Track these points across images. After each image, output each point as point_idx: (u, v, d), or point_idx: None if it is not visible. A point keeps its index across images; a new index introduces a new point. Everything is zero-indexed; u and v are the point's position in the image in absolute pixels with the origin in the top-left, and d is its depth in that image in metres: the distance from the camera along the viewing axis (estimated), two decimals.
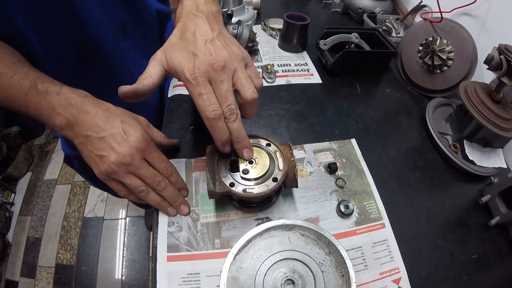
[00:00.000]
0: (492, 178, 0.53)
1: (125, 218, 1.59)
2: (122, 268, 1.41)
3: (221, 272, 0.32)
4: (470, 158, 0.53)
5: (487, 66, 0.50)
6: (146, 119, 0.43)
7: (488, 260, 0.44)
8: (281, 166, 0.39)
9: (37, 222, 1.57)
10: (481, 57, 0.51)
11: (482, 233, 0.46)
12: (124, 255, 1.45)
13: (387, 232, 0.43)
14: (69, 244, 1.47)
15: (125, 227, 1.55)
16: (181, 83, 0.64)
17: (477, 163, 0.53)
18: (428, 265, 0.42)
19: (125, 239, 1.51)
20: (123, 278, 1.38)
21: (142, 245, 1.49)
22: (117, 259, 1.43)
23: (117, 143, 0.36)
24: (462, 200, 0.50)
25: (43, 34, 0.44)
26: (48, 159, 1.88)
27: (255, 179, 0.38)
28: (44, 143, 1.98)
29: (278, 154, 0.41)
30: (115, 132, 0.37)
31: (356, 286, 0.33)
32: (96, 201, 1.65)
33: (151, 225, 1.51)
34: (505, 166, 0.54)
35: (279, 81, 0.67)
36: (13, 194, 1.67)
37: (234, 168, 0.39)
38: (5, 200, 1.59)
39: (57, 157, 1.89)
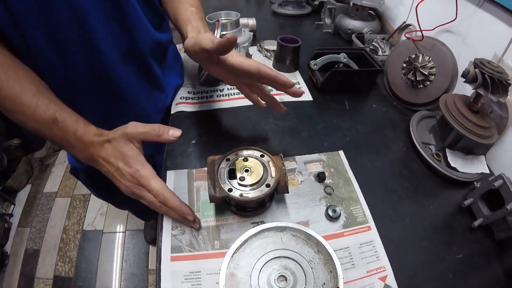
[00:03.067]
0: (476, 183, 0.55)
1: (124, 232, 1.60)
2: (121, 281, 1.41)
3: (220, 269, 0.36)
4: (452, 165, 0.56)
5: (464, 80, 0.54)
6: (137, 127, 0.45)
7: (474, 260, 0.46)
8: (273, 174, 0.44)
9: (36, 234, 1.58)
10: (462, 71, 0.55)
11: (467, 235, 0.49)
12: (123, 268, 1.46)
13: (373, 234, 0.47)
14: (67, 256, 1.48)
15: (124, 241, 1.57)
16: (183, 100, 0.70)
17: (459, 170, 0.56)
18: (413, 264, 0.45)
19: (124, 252, 1.52)
20: None
21: (141, 258, 1.50)
22: (116, 272, 1.44)
23: (121, 177, 0.44)
24: (446, 204, 0.53)
25: (59, 52, 0.48)
26: (48, 172, 1.91)
27: (251, 185, 0.43)
28: (45, 157, 2.01)
29: (271, 163, 0.45)
30: (116, 168, 0.43)
31: (344, 282, 0.36)
32: (95, 214, 1.67)
33: (150, 239, 1.52)
34: (488, 172, 0.57)
35: None
36: (12, 206, 1.69)
37: (232, 176, 0.44)
38: (4, 211, 1.60)
39: (57, 170, 1.91)
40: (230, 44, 0.39)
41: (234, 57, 0.46)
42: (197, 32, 0.52)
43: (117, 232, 1.60)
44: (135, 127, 0.45)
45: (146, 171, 0.44)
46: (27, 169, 1.85)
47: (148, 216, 1.39)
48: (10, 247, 1.52)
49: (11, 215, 1.65)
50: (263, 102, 0.58)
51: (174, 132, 0.45)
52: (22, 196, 1.76)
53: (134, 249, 1.54)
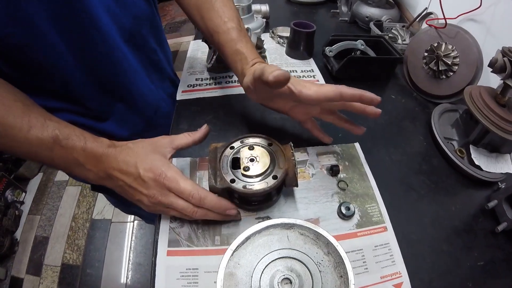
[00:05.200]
0: (500, 184, 0.52)
1: (133, 222, 1.61)
2: (127, 271, 1.42)
3: (218, 268, 0.33)
4: (476, 163, 0.52)
5: (491, 70, 0.49)
6: (167, 138, 0.43)
7: (495, 267, 0.42)
8: (281, 164, 0.40)
9: (46, 221, 1.60)
10: (487, 62, 0.51)
11: (489, 239, 0.45)
12: (130, 258, 1.46)
13: (389, 236, 0.43)
14: (76, 244, 1.49)
15: (132, 230, 1.57)
16: (190, 88, 0.67)
17: (483, 168, 0.52)
18: (431, 270, 0.41)
19: (132, 242, 1.53)
20: (128, 280, 1.39)
21: (149, 248, 1.50)
22: (123, 262, 1.45)
23: (142, 186, 0.37)
24: (468, 205, 0.49)
25: (69, 41, 0.44)
26: None
27: (256, 176, 0.39)
28: None
29: (279, 153, 0.41)
30: (136, 176, 0.37)
31: None
32: (105, 203, 1.67)
33: None
34: None
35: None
36: (23, 193, 1.72)
37: (236, 166, 0.40)
38: (15, 199, 1.63)
39: None
40: (285, 80, 0.34)
41: (309, 88, 0.40)
42: (252, 64, 0.46)
43: (126, 222, 1.60)
44: (164, 137, 0.42)
45: (172, 172, 0.38)
46: None
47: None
48: (20, 234, 1.55)
49: (22, 202, 1.68)
50: (330, 138, 0.53)
51: (202, 129, 0.45)
52: (34, 184, 1.79)
53: (142, 239, 1.54)
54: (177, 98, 0.65)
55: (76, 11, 0.42)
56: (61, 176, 1.83)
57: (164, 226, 0.42)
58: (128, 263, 1.44)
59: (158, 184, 0.37)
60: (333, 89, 0.40)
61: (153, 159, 0.38)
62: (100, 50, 0.48)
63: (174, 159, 0.51)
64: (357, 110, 0.44)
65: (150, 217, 1.09)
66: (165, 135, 0.43)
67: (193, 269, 0.38)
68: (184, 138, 0.43)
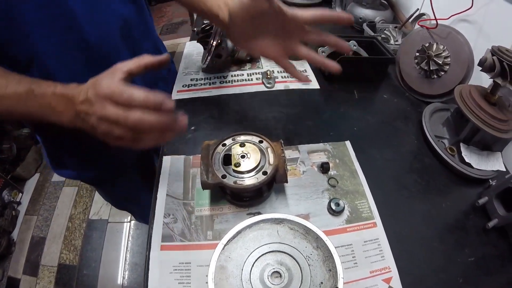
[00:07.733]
0: (491, 181, 0.52)
1: (129, 222, 1.60)
2: (124, 271, 1.41)
3: (210, 261, 0.34)
4: (467, 160, 0.53)
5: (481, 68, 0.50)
6: (122, 63, 0.37)
7: (486, 263, 0.43)
8: (271, 161, 0.41)
9: (43, 222, 1.59)
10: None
11: (480, 236, 0.46)
12: (127, 258, 1.46)
13: (379, 231, 0.44)
14: (72, 244, 1.49)
15: (129, 231, 1.57)
16: (185, 88, 0.67)
17: (474, 166, 0.53)
18: (421, 266, 0.42)
19: (128, 242, 1.52)
20: (124, 280, 1.39)
21: (145, 248, 1.49)
22: (120, 262, 1.44)
23: (89, 106, 0.35)
24: (459, 203, 0.50)
25: (48, 38, 0.45)
26: None
27: (247, 171, 0.40)
28: None
29: (269, 150, 0.42)
30: (86, 99, 0.35)
31: (345, 282, 0.33)
32: (101, 203, 1.67)
33: None
34: (504, 169, 0.53)
35: (278, 87, 0.69)
36: (20, 194, 1.71)
37: (228, 162, 0.41)
38: (12, 199, 1.62)
39: None
40: None
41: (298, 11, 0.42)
42: None
43: (123, 222, 1.60)
44: (121, 62, 0.37)
45: (107, 78, 0.35)
46: (36, 158, 1.87)
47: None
48: (17, 234, 1.54)
49: (19, 203, 1.67)
50: (305, 75, 0.53)
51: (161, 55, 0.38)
52: (31, 185, 1.78)
53: (139, 239, 1.54)
54: (172, 98, 0.66)
55: (61, 14, 0.44)
56: (58, 176, 1.82)
57: (158, 222, 0.42)
58: (125, 263, 1.44)
59: (97, 96, 0.34)
60: (315, 10, 0.43)
61: (99, 76, 0.36)
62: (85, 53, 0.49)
63: (168, 157, 0.52)
64: (332, 43, 0.48)
65: (141, 214, 1.09)
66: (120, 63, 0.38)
67: (185, 263, 0.38)
68: (136, 61, 0.37)
